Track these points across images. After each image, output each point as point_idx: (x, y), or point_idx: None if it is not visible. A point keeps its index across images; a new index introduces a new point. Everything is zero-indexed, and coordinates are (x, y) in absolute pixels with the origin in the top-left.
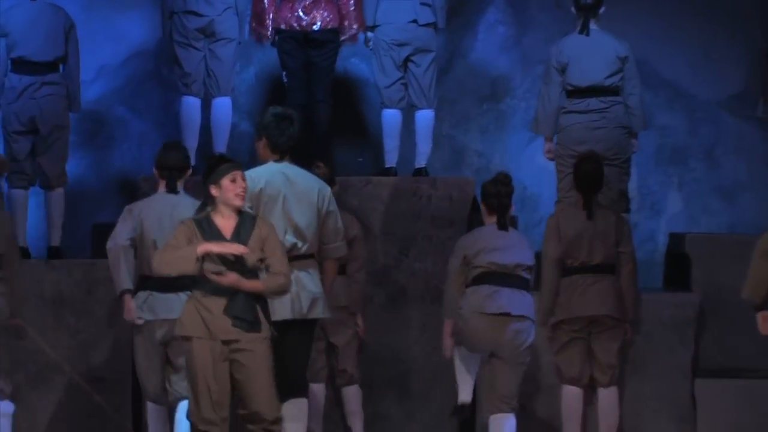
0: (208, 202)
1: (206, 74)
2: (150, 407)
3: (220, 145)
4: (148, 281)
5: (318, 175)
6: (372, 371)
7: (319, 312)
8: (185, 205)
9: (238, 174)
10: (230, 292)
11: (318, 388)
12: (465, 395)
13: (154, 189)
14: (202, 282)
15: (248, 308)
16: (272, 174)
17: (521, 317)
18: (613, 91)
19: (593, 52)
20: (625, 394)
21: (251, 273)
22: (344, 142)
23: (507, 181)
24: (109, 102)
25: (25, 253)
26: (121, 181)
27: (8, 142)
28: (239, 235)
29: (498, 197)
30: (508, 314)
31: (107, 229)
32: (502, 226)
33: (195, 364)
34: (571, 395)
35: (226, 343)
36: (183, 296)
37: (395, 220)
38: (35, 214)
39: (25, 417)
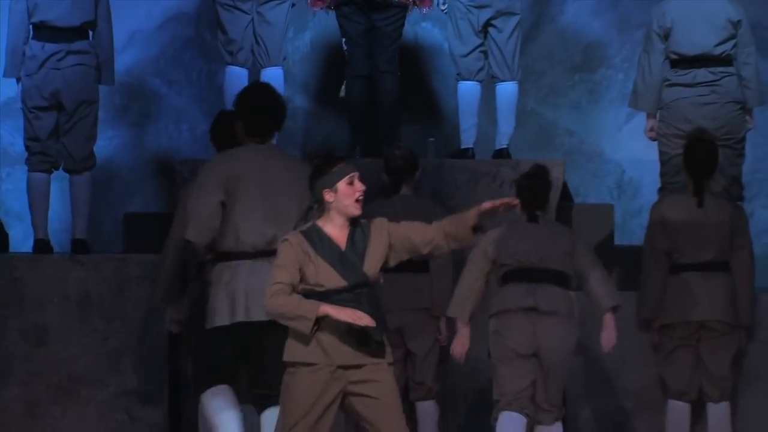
0: (312, 206)
1: (254, 41)
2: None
3: None
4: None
5: (397, 157)
6: (446, 383)
7: None
8: None
9: (356, 175)
10: (355, 308)
11: None
12: None
13: (193, 173)
14: (315, 297)
15: (378, 326)
16: (247, 158)
17: (552, 314)
18: (725, 60)
19: (701, 16)
20: (739, 410)
21: (370, 288)
22: (413, 120)
23: (543, 174)
24: (143, 73)
25: (46, 246)
26: (157, 164)
27: (29, 119)
28: (354, 246)
29: (532, 191)
30: (535, 309)
31: (140, 219)
32: (532, 218)
33: (297, 396)
34: (678, 411)
35: (343, 368)
36: None
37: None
38: (59, 202)
39: None
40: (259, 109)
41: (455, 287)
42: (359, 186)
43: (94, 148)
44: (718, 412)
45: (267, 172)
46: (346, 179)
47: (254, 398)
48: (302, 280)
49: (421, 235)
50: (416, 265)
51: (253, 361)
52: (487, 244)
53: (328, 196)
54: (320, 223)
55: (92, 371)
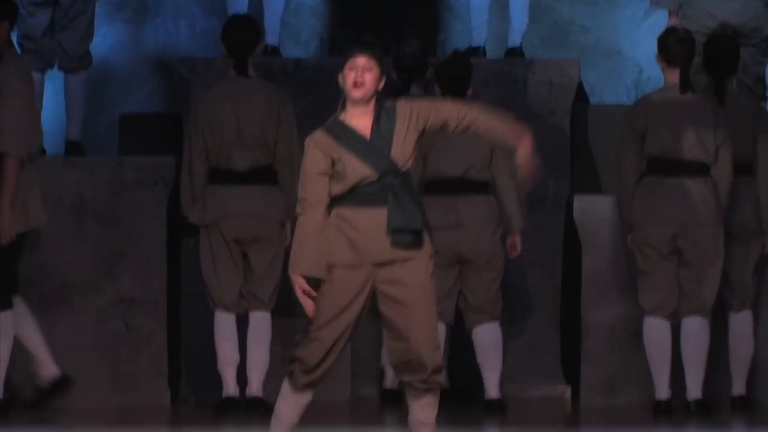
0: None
1: None
2: (218, 316)
3: (273, 21)
4: (217, 174)
5: (408, 55)
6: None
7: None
8: (259, 92)
9: (360, 59)
10: (387, 198)
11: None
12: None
13: (191, 72)
14: (346, 195)
15: (414, 216)
16: None
17: (474, 224)
18: None
19: None
20: (762, 319)
21: (403, 178)
22: (421, 17)
23: (463, 61)
24: None
25: (39, 148)
26: (154, 62)
27: (22, 16)
28: (380, 132)
29: (455, 80)
30: (463, 225)
31: (136, 120)
32: None
33: (329, 298)
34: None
35: (378, 266)
36: (256, 189)
37: None
38: (52, 102)
39: None
40: None
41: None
42: (360, 73)
43: (91, 47)
44: (739, 322)
45: None
46: (348, 63)
47: None
48: (334, 176)
49: (455, 115)
50: None
51: None
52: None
53: (341, 80)
54: (342, 116)
55: (87, 278)
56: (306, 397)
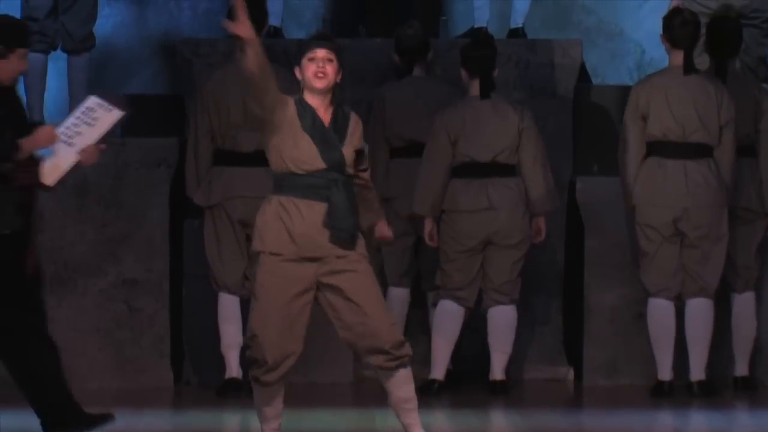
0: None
1: None
2: (222, 298)
3: (276, 2)
4: (222, 155)
5: (410, 36)
6: None
7: None
8: None
9: (320, 51)
10: (327, 196)
11: (401, 294)
12: (438, 371)
13: (194, 53)
14: (288, 180)
15: (353, 217)
16: None
17: (503, 207)
18: None
19: None
20: (765, 301)
21: (347, 178)
22: None
23: (489, 42)
24: None
25: None
26: (157, 44)
27: None
28: (336, 126)
29: (481, 61)
30: (495, 208)
31: (139, 101)
32: (486, 93)
33: (268, 290)
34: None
35: (314, 260)
36: (261, 171)
37: None
38: (55, 83)
39: None
40: None
41: (419, 181)
42: (322, 65)
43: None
44: (743, 303)
45: None
46: (308, 54)
47: None
48: (279, 152)
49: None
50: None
51: None
52: (445, 132)
53: (298, 73)
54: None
55: (90, 260)
56: (280, 390)
